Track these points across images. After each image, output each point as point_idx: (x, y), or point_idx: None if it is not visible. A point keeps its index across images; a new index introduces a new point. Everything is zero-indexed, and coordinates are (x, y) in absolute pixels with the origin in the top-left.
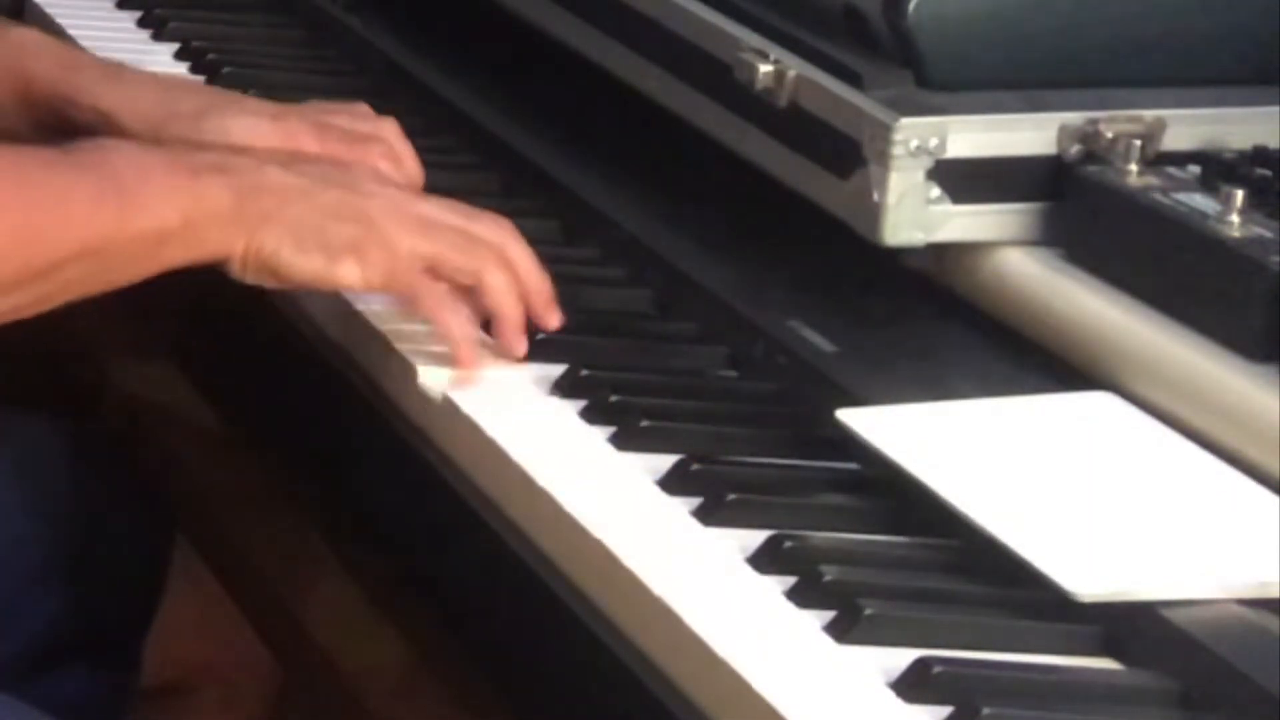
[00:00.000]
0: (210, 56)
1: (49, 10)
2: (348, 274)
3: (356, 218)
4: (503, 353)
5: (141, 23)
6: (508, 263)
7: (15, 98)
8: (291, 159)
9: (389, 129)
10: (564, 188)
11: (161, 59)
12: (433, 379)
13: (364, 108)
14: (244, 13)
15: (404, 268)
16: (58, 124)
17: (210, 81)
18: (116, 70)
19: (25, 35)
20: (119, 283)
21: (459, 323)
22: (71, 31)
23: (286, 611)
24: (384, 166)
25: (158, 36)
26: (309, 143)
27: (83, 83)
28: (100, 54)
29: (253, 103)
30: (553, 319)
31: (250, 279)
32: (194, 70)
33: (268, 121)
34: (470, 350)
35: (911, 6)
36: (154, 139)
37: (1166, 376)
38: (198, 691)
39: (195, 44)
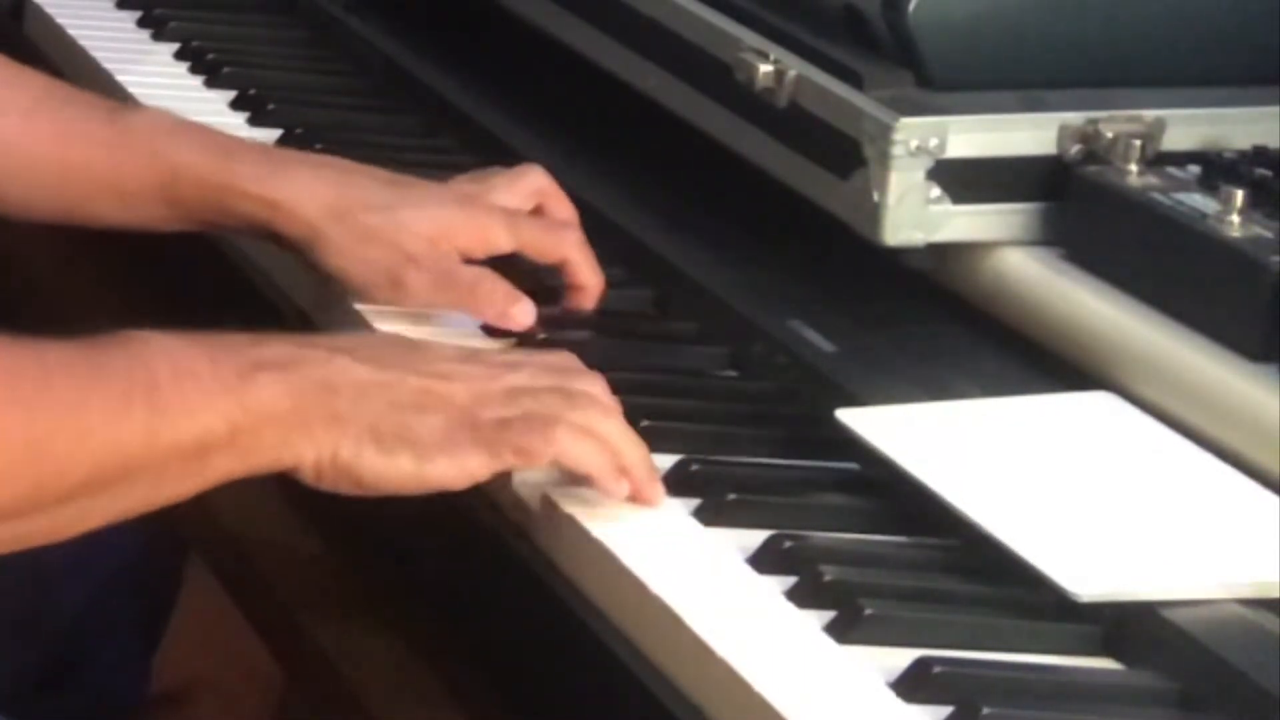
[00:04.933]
0: (210, 56)
1: (49, 10)
2: (443, 472)
3: (441, 406)
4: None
5: (141, 23)
6: (612, 410)
7: (158, 186)
8: (361, 344)
9: (550, 192)
10: (564, 187)
11: (161, 59)
12: None
13: (502, 174)
14: (244, 13)
15: (499, 441)
16: (212, 216)
17: (210, 82)
18: (276, 154)
19: (157, 118)
20: (159, 503)
21: (595, 460)
22: (72, 31)
23: (291, 618)
24: (575, 256)
25: (158, 36)
26: (502, 238)
27: (244, 170)
28: (100, 54)
29: (434, 189)
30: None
31: (329, 488)
32: (194, 70)
33: (457, 211)
34: (615, 486)
35: (911, 6)
36: (337, 229)
37: (1166, 376)
38: (198, 702)
39: (195, 44)
